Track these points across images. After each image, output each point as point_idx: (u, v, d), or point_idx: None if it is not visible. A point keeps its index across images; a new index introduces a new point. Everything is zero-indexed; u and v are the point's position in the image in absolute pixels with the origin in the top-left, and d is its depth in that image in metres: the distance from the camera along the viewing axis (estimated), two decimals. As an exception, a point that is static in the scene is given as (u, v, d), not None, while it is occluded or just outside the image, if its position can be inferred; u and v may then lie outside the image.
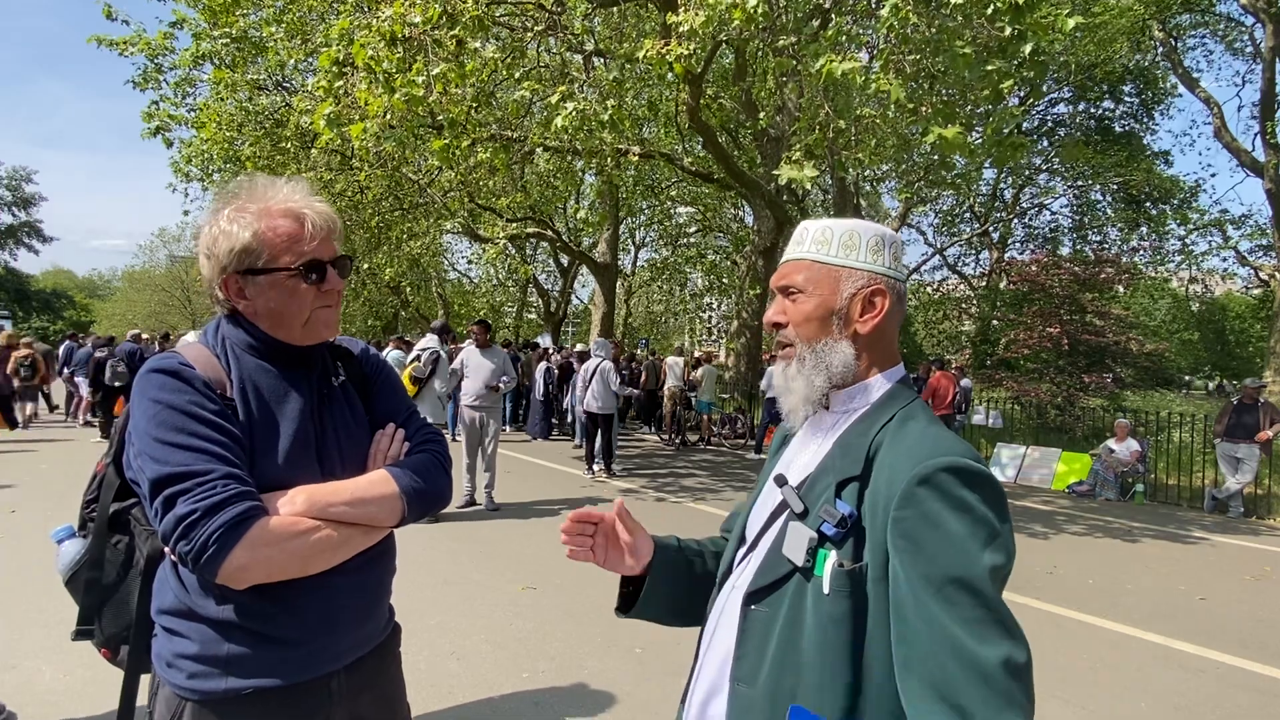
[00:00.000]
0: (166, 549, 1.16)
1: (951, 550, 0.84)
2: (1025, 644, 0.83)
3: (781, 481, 1.04)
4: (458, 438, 7.27)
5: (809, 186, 6.18)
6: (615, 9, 9.76)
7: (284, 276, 1.19)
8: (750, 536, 1.10)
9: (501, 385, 6.97)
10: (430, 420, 1.50)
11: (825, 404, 1.05)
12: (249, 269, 1.20)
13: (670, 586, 1.20)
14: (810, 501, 0.99)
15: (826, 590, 0.91)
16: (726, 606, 1.07)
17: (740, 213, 20.01)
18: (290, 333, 1.24)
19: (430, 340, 6.85)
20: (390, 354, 7.35)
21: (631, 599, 1.20)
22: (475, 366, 6.92)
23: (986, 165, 18.65)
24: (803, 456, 1.08)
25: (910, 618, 0.85)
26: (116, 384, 10.56)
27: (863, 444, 0.97)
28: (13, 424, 11.14)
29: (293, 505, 1.15)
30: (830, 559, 0.93)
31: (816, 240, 1.06)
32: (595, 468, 9.18)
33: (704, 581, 1.21)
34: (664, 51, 5.54)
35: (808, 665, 0.92)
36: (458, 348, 11.20)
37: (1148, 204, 21.49)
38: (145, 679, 1.33)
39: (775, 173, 6.25)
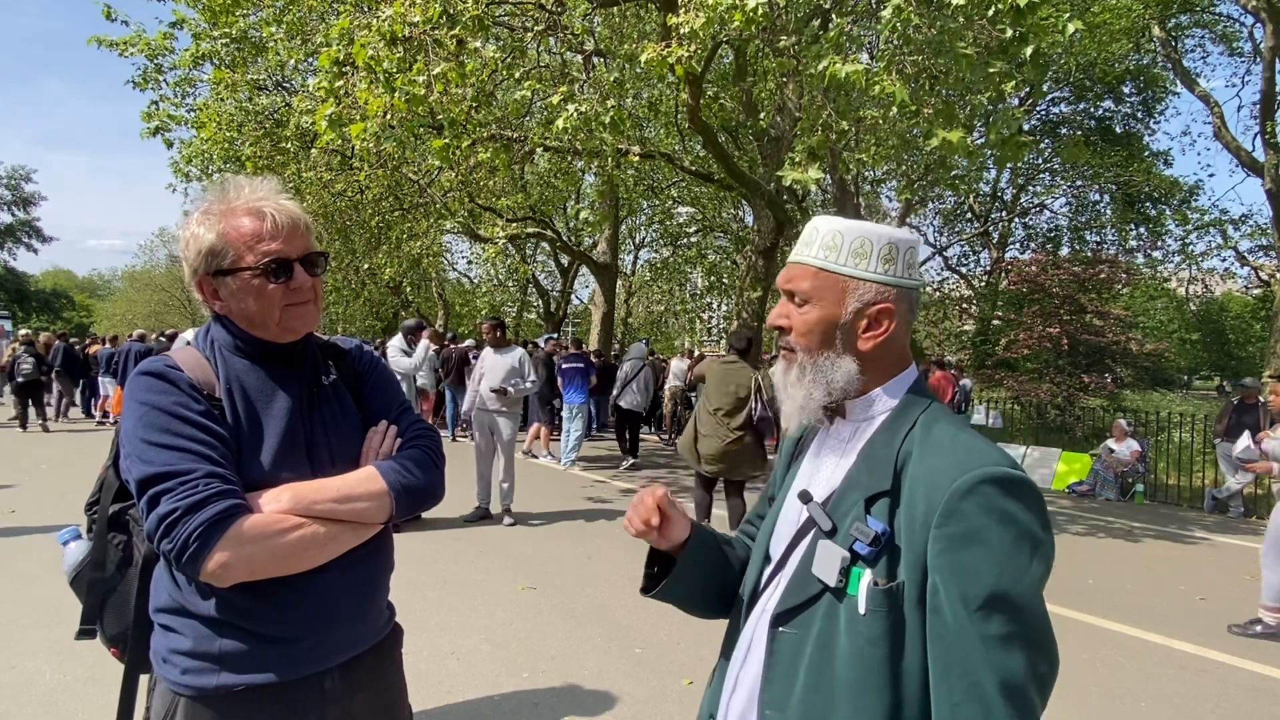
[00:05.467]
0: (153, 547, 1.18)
1: (994, 566, 0.83)
2: (1055, 654, 0.86)
3: (806, 498, 1.01)
4: (459, 438, 7.22)
5: (811, 187, 6.18)
6: (615, 9, 9.75)
7: (249, 276, 1.19)
8: (776, 555, 1.06)
9: (511, 389, 6.36)
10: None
11: (841, 413, 1.03)
12: (218, 270, 1.20)
13: (700, 569, 1.15)
14: (838, 518, 0.96)
15: (863, 610, 0.89)
16: (756, 632, 1.03)
17: (740, 213, 19.97)
18: (267, 331, 1.24)
19: (396, 340, 6.72)
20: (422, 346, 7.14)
21: (657, 580, 1.15)
22: (490, 368, 6.47)
23: (989, 165, 18.67)
24: (824, 469, 1.05)
25: (947, 636, 0.84)
26: (20, 379, 11.33)
27: (889, 455, 0.94)
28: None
29: (277, 503, 1.16)
30: (865, 578, 0.90)
31: (825, 245, 1.00)
32: (628, 460, 9.98)
33: (734, 571, 1.18)
34: (665, 54, 5.54)
35: (842, 688, 0.89)
36: (459, 348, 11.23)
37: (1147, 204, 21.48)
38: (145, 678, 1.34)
39: (779, 174, 6.24)
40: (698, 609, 1.19)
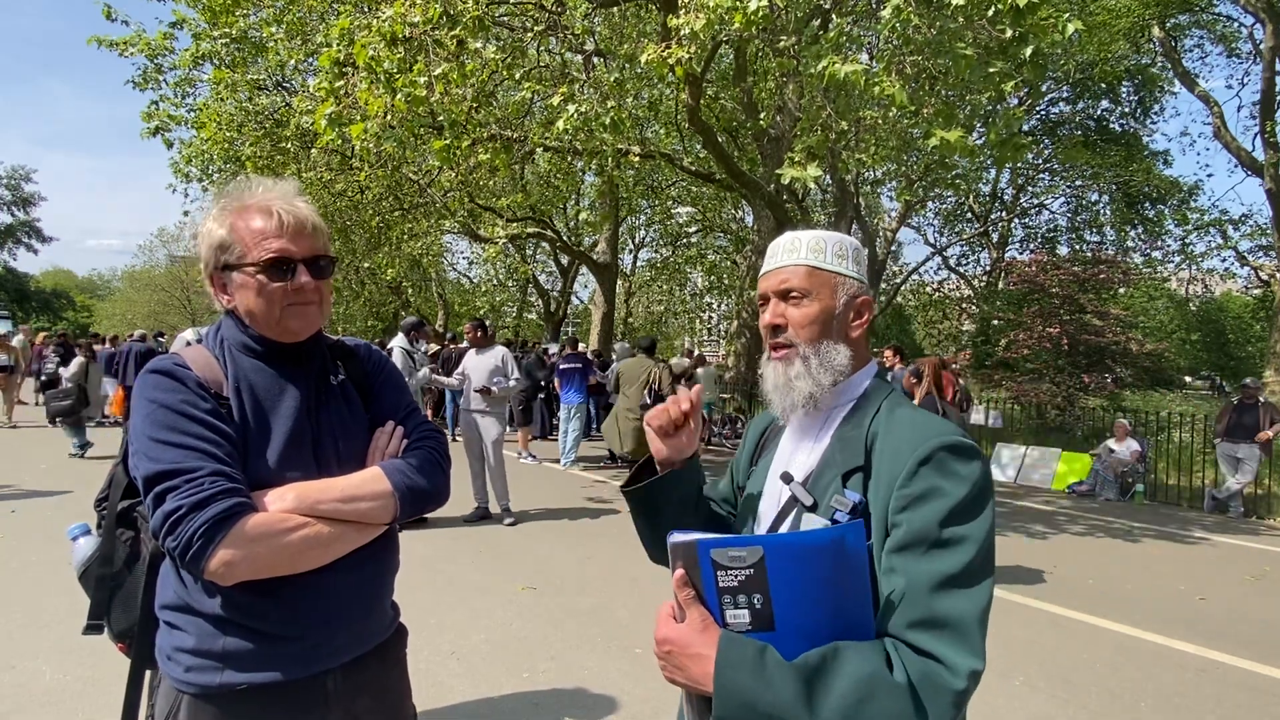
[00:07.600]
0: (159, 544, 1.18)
1: (946, 512, 0.93)
2: (991, 593, 0.94)
3: (788, 479, 1.11)
4: (458, 437, 7.20)
5: (810, 186, 6.20)
6: (615, 9, 9.76)
7: (252, 272, 1.20)
8: (761, 534, 1.15)
9: (495, 389, 6.46)
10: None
11: (815, 402, 1.12)
12: (225, 265, 1.21)
13: (685, 489, 1.21)
14: (818, 494, 1.06)
15: None
16: None
17: (740, 213, 19.99)
18: (269, 329, 1.24)
19: (399, 340, 6.70)
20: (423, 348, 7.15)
21: (641, 479, 1.20)
22: (472, 368, 6.57)
23: (988, 166, 18.67)
24: (800, 453, 1.15)
25: (899, 567, 0.94)
26: (44, 378, 12.01)
27: (859, 436, 1.06)
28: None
29: (282, 502, 1.16)
30: None
31: (812, 249, 1.13)
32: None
33: (704, 509, 1.27)
34: (665, 54, 5.54)
35: None
36: (458, 348, 11.24)
37: (1146, 204, 21.47)
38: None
39: (778, 172, 6.25)
40: (660, 531, 1.14)
